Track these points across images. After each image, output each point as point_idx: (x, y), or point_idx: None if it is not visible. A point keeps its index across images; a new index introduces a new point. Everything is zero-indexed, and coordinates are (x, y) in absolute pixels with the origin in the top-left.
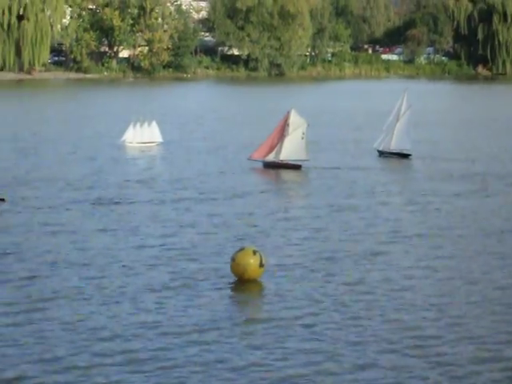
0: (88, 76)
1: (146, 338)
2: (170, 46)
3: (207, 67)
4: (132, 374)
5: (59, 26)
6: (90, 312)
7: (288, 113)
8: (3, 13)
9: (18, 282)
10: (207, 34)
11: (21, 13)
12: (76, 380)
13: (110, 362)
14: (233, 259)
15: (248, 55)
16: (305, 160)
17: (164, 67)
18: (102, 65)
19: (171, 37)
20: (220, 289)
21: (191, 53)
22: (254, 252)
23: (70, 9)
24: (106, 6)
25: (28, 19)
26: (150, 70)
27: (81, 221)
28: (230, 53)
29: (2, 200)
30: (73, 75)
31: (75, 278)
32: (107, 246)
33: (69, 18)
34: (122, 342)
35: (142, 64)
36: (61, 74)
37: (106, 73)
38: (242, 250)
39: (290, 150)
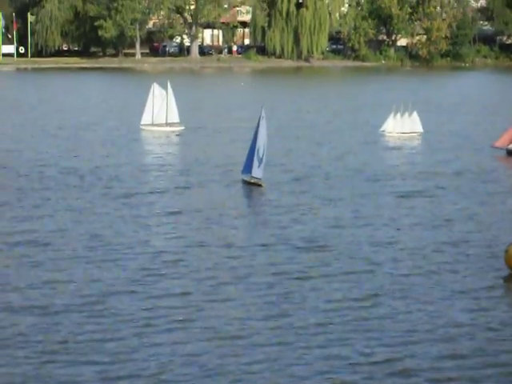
0: (365, 64)
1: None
2: (448, 35)
3: (485, 56)
4: None
5: (337, 14)
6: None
7: None
8: (282, 0)
9: (338, 278)
10: (486, 22)
11: (300, 1)
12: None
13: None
14: (506, 251)
15: None
16: None
17: (442, 56)
18: (380, 53)
19: (449, 25)
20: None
21: (469, 42)
22: None
23: None
24: None
25: (307, 7)
26: (427, 59)
27: (382, 212)
28: (508, 42)
29: (260, 185)
30: (350, 63)
31: (377, 276)
32: (395, 239)
33: (347, 6)
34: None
35: (420, 53)
36: (338, 62)
37: (383, 61)
38: None
39: None
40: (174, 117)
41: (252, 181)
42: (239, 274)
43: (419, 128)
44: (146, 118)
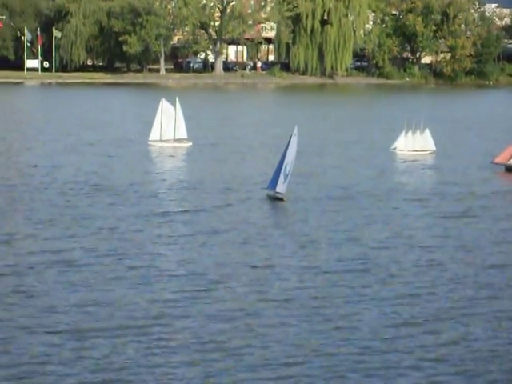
0: (389, 82)
1: None
2: (472, 53)
3: (510, 75)
4: None
5: (362, 32)
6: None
7: None
8: (306, 17)
9: (382, 302)
10: (510, 41)
11: (324, 17)
12: None
13: None
14: None
15: None
16: None
17: (466, 74)
18: (404, 71)
19: (474, 44)
20: None
21: (494, 60)
22: None
23: (373, 14)
24: (410, 11)
25: (331, 24)
26: (452, 77)
27: (423, 234)
28: None
29: (281, 200)
30: (374, 81)
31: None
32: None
33: (371, 23)
34: None
35: (444, 70)
36: (362, 79)
37: (407, 79)
38: None
39: None
40: (182, 133)
41: (275, 195)
42: (285, 297)
43: (431, 146)
44: (154, 134)
